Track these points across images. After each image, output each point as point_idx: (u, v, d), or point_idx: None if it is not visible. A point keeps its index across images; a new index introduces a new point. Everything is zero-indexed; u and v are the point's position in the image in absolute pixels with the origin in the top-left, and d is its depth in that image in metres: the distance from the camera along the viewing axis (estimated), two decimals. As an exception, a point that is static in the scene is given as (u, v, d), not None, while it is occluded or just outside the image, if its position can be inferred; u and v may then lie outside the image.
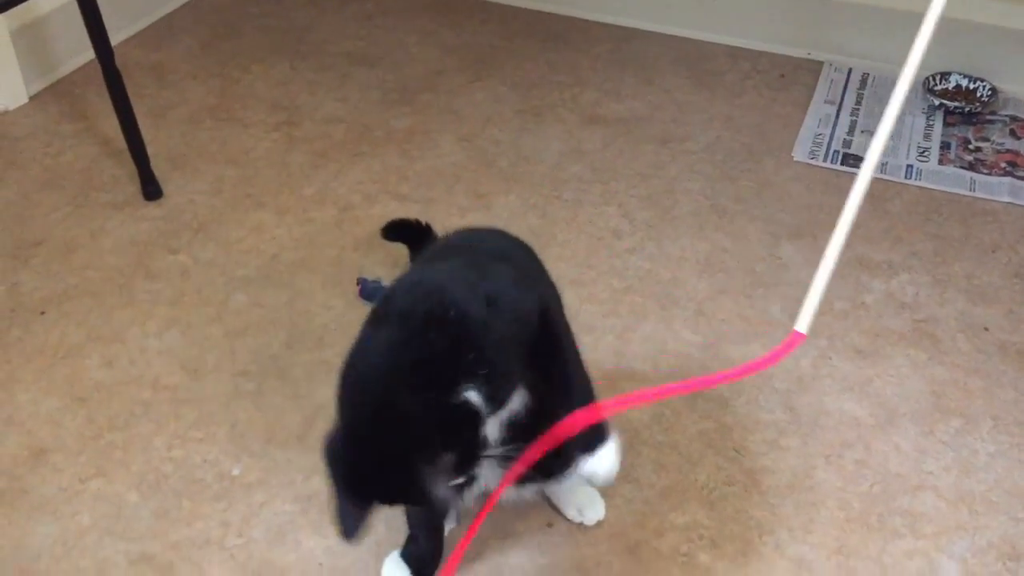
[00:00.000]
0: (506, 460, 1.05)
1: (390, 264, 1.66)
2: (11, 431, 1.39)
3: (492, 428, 1.02)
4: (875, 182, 1.88)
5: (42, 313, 1.58)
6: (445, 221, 1.70)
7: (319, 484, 1.32)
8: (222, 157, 1.94)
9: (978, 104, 2.05)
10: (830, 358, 1.51)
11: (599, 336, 1.54)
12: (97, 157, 1.93)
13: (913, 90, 2.11)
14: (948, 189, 1.86)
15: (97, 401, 1.43)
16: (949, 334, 1.56)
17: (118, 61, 1.77)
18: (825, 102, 2.10)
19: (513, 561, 1.23)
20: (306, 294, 1.62)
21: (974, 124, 2.02)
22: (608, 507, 1.28)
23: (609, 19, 2.39)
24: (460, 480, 0.98)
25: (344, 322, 1.56)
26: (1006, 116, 2.05)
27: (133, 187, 1.84)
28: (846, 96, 2.12)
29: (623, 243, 1.73)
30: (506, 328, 0.97)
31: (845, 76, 2.18)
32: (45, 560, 1.23)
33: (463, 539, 1.11)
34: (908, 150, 1.96)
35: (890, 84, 2.14)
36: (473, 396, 0.94)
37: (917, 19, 2.18)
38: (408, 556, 1.19)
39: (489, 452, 1.02)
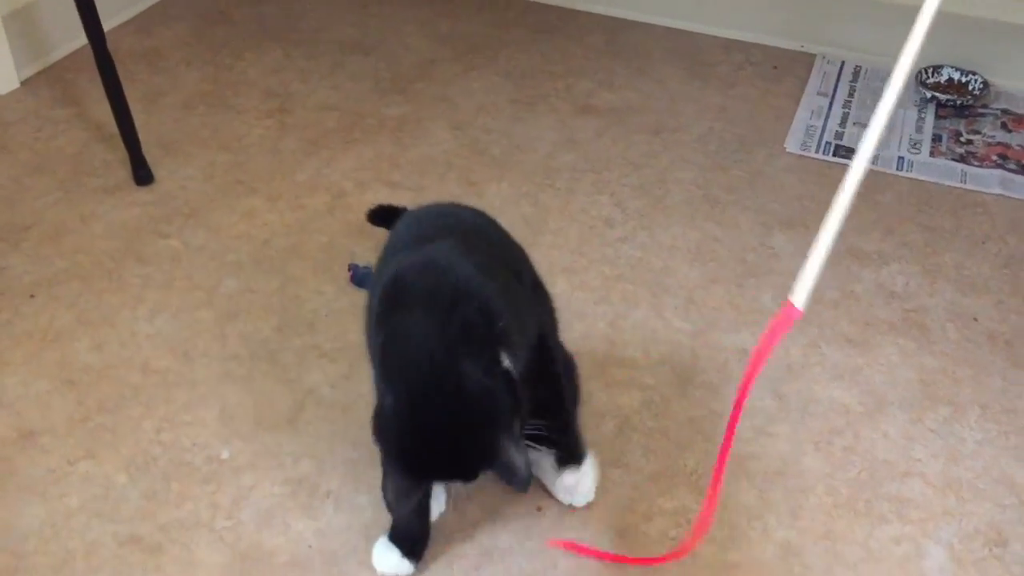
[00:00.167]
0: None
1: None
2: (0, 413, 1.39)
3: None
4: (866, 173, 1.89)
5: (31, 296, 1.57)
6: (437, 208, 1.70)
7: (309, 467, 1.32)
8: (214, 143, 1.93)
9: (970, 97, 2.06)
10: (820, 347, 1.52)
11: (590, 323, 1.54)
12: (88, 142, 1.93)
13: (905, 83, 2.12)
14: (939, 181, 1.86)
15: (86, 384, 1.43)
16: (938, 324, 1.56)
17: (110, 47, 1.77)
18: (818, 94, 2.10)
19: (502, 544, 1.23)
20: (297, 280, 1.62)
21: (966, 117, 2.03)
22: (597, 491, 1.28)
23: (603, 10, 2.39)
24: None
25: (335, 308, 1.56)
26: (997, 109, 2.05)
27: (124, 172, 1.84)
28: (839, 88, 2.12)
29: (615, 232, 1.73)
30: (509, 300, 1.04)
31: (838, 68, 2.18)
32: (33, 541, 1.22)
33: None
34: (900, 142, 1.96)
35: (883, 77, 2.15)
36: (507, 363, 1.00)
37: (910, 12, 2.19)
38: (397, 538, 1.19)
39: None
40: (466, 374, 0.96)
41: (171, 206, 1.77)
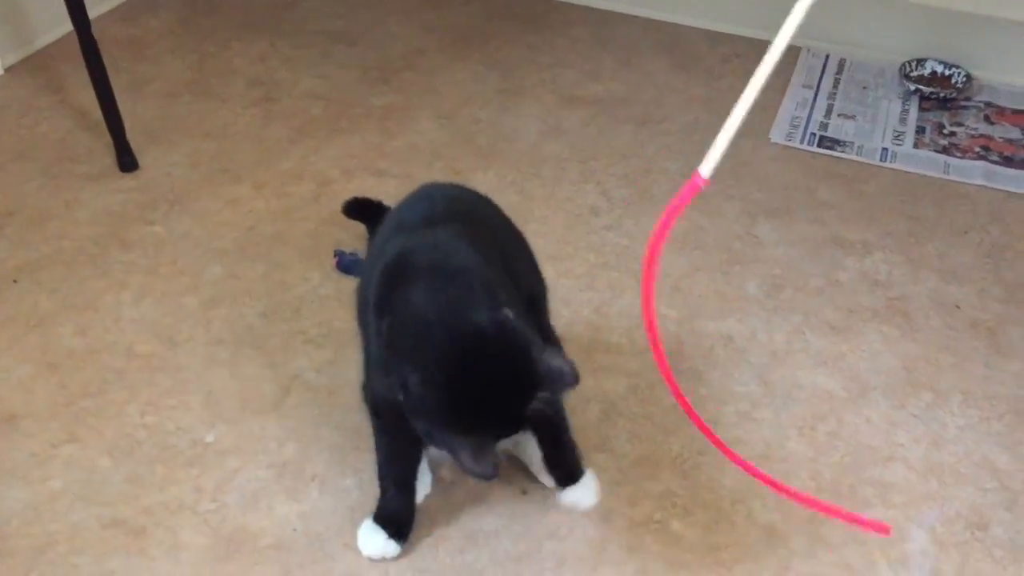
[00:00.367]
0: None
1: (367, 238, 1.65)
2: (-18, 397, 1.38)
3: None
4: (850, 164, 1.91)
5: (14, 281, 1.56)
6: (423, 196, 1.70)
7: (294, 451, 1.32)
8: (199, 131, 1.93)
9: (953, 90, 2.07)
10: (804, 333, 1.53)
11: (576, 310, 1.55)
12: (72, 129, 1.92)
13: (889, 75, 2.14)
14: (922, 172, 1.88)
15: (70, 368, 1.42)
16: (921, 311, 1.57)
17: (95, 35, 1.76)
18: (803, 86, 2.11)
19: (487, 527, 1.23)
20: (283, 266, 1.62)
21: (949, 109, 2.05)
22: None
23: (589, 2, 2.39)
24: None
25: (320, 294, 1.56)
26: (980, 102, 2.07)
27: (109, 159, 1.83)
28: (823, 80, 2.13)
29: (601, 220, 1.74)
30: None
31: (822, 61, 2.19)
32: (15, 524, 1.22)
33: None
34: (884, 133, 1.97)
35: (867, 69, 2.17)
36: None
37: (894, 6, 2.20)
38: (382, 520, 1.19)
39: None
40: (479, 320, 0.98)
41: (156, 193, 1.76)
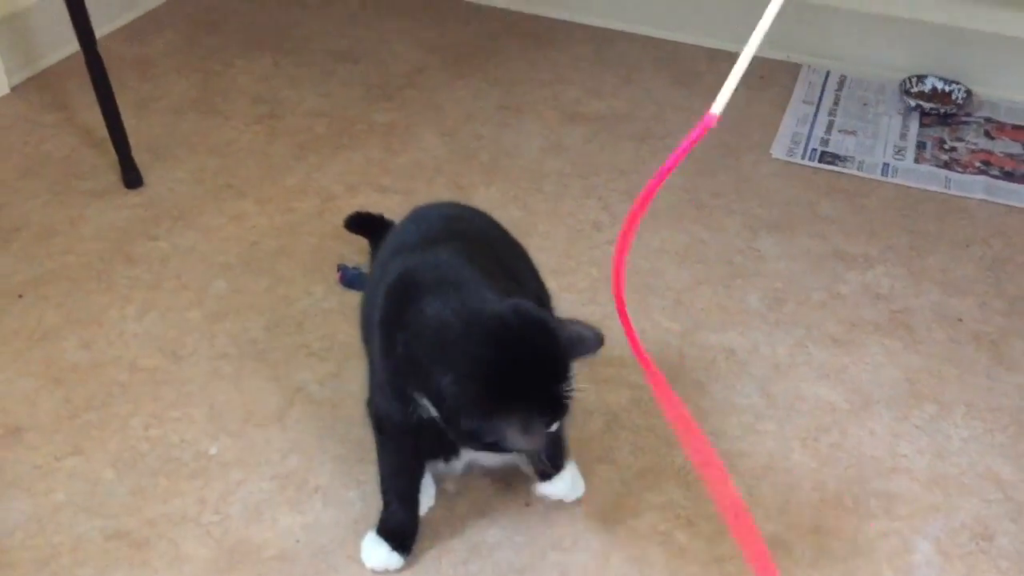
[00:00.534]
0: None
1: (370, 252, 1.66)
2: (-14, 410, 1.38)
3: None
4: (851, 179, 1.92)
5: (20, 296, 1.57)
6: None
7: (297, 463, 1.32)
8: (203, 148, 1.94)
9: (953, 106, 2.08)
10: (806, 346, 1.53)
11: (578, 323, 1.55)
12: (78, 147, 1.93)
13: (890, 92, 2.15)
14: (923, 186, 1.88)
15: (74, 382, 1.43)
16: (924, 324, 1.57)
17: (101, 54, 1.77)
18: (803, 102, 2.13)
19: (491, 539, 1.23)
20: (287, 280, 1.62)
21: (949, 125, 2.06)
22: (585, 488, 1.28)
23: (590, 21, 2.41)
24: None
25: (324, 308, 1.57)
26: (980, 118, 2.08)
27: (114, 175, 1.84)
28: (824, 97, 2.15)
29: (603, 235, 1.75)
30: None
31: (823, 78, 2.21)
32: (19, 536, 1.22)
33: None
34: (885, 148, 1.98)
35: (867, 86, 2.19)
36: None
37: (893, 23, 2.22)
38: (386, 532, 1.19)
39: None
40: (496, 309, 1.00)
41: (160, 208, 1.77)
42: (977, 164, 1.94)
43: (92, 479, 1.29)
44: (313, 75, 2.19)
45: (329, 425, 1.37)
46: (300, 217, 1.76)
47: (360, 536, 1.21)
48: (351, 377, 1.42)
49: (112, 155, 1.84)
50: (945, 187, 1.88)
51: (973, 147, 1.99)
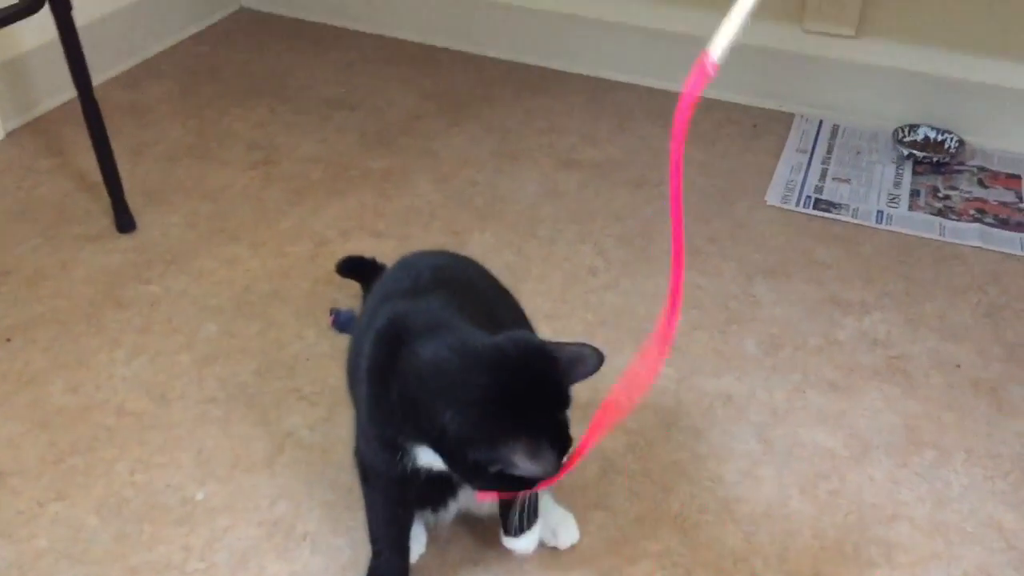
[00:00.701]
0: None
1: (362, 297, 1.65)
2: (-31, 454, 1.36)
3: None
4: (846, 226, 1.92)
5: (8, 340, 1.55)
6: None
7: (285, 509, 1.29)
8: (198, 193, 1.94)
9: (946, 155, 2.09)
10: (804, 392, 1.51)
11: (573, 368, 1.53)
12: (71, 191, 1.93)
13: (883, 141, 2.16)
14: (918, 233, 1.88)
15: (59, 426, 1.40)
16: (922, 370, 1.56)
17: (96, 99, 1.77)
18: (797, 151, 2.13)
19: (483, 587, 1.20)
20: (278, 324, 1.61)
21: (943, 174, 2.06)
22: (580, 534, 1.26)
23: (585, 71, 2.43)
24: None
25: (316, 352, 1.55)
26: (973, 167, 2.09)
27: (106, 220, 1.83)
28: (817, 145, 2.16)
29: (598, 280, 1.74)
30: None
31: (816, 127, 2.22)
32: (-2, 583, 1.19)
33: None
34: (879, 196, 1.99)
35: (860, 135, 2.20)
36: None
37: (885, 73, 2.24)
38: (375, 579, 1.16)
39: None
40: (491, 340, 1.00)
41: (153, 253, 1.76)
42: (971, 212, 1.94)
43: (75, 525, 1.26)
44: (309, 122, 2.19)
45: (319, 471, 1.35)
46: (293, 261, 1.75)
47: (349, 584, 1.18)
48: (342, 422, 1.40)
49: (106, 200, 1.83)
50: (940, 234, 1.88)
51: (967, 195, 1.99)
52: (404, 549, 1.18)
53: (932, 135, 2.14)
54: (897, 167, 2.08)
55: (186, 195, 1.93)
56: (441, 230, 1.84)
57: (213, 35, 2.57)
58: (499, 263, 1.75)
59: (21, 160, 2.02)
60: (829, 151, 2.14)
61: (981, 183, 2.04)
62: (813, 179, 2.04)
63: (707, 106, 2.27)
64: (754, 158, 2.12)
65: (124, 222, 1.81)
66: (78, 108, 1.78)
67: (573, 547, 1.25)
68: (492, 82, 2.39)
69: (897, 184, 2.03)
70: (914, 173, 2.06)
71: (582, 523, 1.26)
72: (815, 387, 1.52)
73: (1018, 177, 2.05)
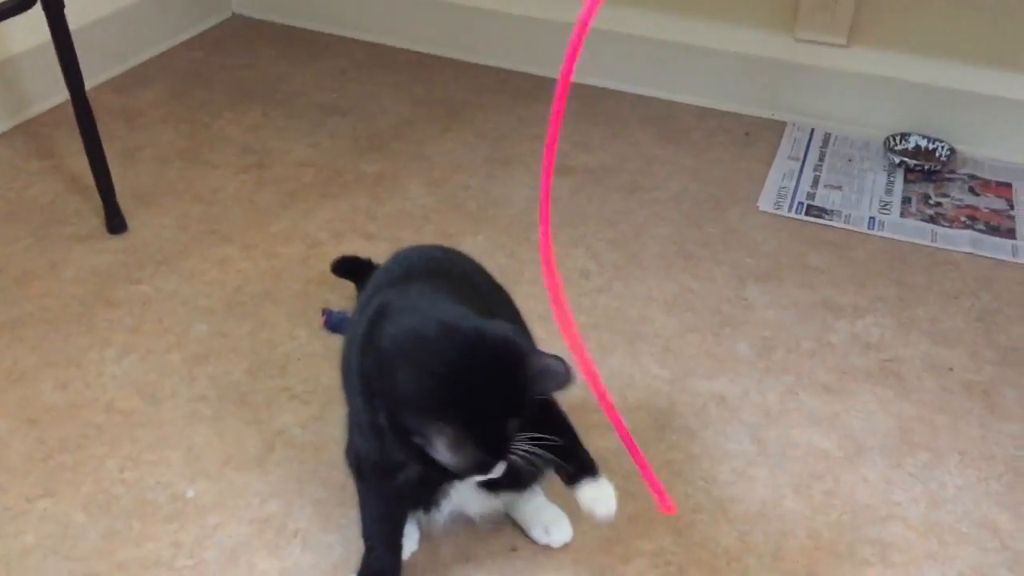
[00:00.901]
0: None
1: (356, 297, 1.64)
2: (-44, 452, 1.34)
3: None
4: (838, 231, 1.92)
5: (-4, 338, 1.54)
6: (413, 257, 1.69)
7: (276, 507, 1.28)
8: (189, 195, 1.93)
9: (937, 163, 2.10)
10: (797, 394, 1.51)
11: (566, 369, 1.53)
12: (62, 193, 1.92)
13: (874, 149, 2.17)
14: (910, 239, 1.88)
15: (48, 423, 1.39)
16: (915, 373, 1.56)
17: (89, 101, 1.77)
18: (789, 158, 2.14)
19: (476, 585, 1.19)
20: (270, 324, 1.60)
21: (934, 181, 2.07)
22: (574, 533, 1.25)
23: (579, 79, 2.41)
24: None
25: (308, 351, 1.54)
26: (964, 175, 2.10)
27: (97, 221, 1.82)
28: (809, 153, 2.16)
29: (591, 283, 1.73)
30: None
31: (808, 135, 2.23)
32: (-16, 580, 1.17)
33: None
34: (871, 203, 1.99)
35: (852, 143, 2.21)
36: None
37: (877, 83, 2.25)
38: (367, 576, 1.15)
39: None
40: (473, 324, 0.99)
41: (143, 253, 1.75)
42: (963, 219, 1.95)
43: (63, 522, 1.25)
44: (302, 127, 2.19)
45: (311, 469, 1.33)
46: (285, 263, 1.74)
47: (340, 582, 1.17)
48: (334, 420, 1.38)
49: (96, 201, 1.82)
50: (932, 240, 1.88)
51: (958, 203, 2.00)
52: (397, 546, 1.17)
53: (923, 143, 2.15)
54: (888, 175, 2.09)
55: (177, 197, 1.92)
56: (433, 233, 1.84)
57: (205, 41, 2.57)
58: (492, 266, 1.73)
59: (12, 161, 2.01)
60: (821, 159, 2.15)
61: (972, 191, 2.04)
62: (805, 186, 2.04)
63: (699, 114, 2.30)
64: (746, 165, 2.12)
65: (115, 223, 1.80)
66: (70, 112, 1.77)
67: (566, 545, 1.24)
68: (485, 89, 2.39)
69: (889, 191, 2.04)
70: (905, 181, 2.07)
71: (575, 522, 1.25)
72: (808, 389, 1.52)
73: (1009, 185, 2.06)
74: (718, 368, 1.55)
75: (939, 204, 2.00)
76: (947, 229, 1.92)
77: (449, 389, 0.95)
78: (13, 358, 1.50)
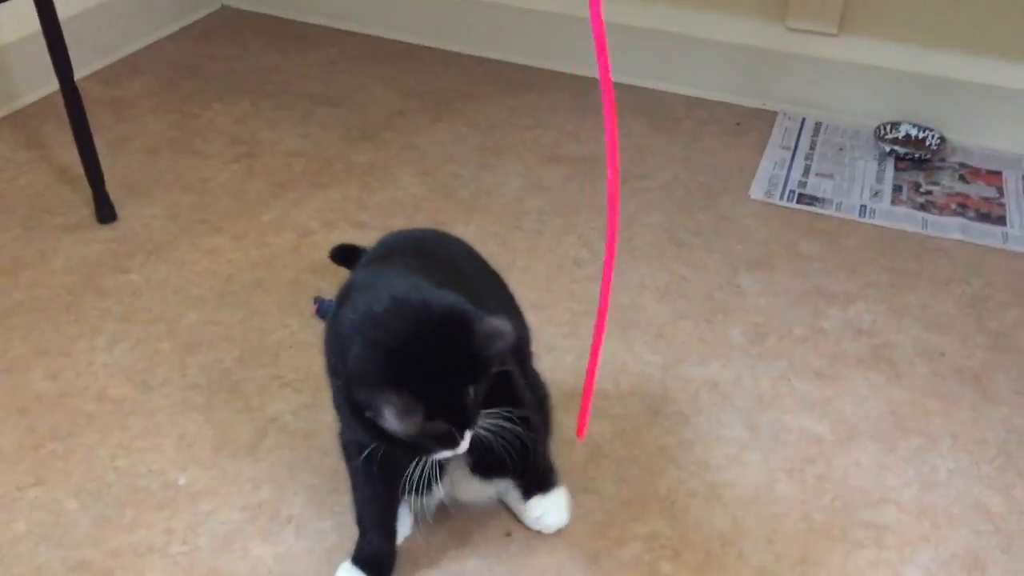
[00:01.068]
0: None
1: (348, 286, 1.64)
2: (-54, 440, 1.33)
3: None
4: (829, 219, 1.92)
5: (-15, 328, 1.53)
6: (405, 245, 1.69)
7: (269, 493, 1.27)
8: (179, 186, 1.92)
9: (928, 152, 2.10)
10: (790, 379, 1.51)
11: (559, 356, 1.53)
12: (51, 183, 1.91)
13: (864, 137, 2.18)
14: (901, 227, 1.89)
15: (39, 412, 1.38)
16: (906, 358, 1.56)
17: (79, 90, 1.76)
18: (780, 147, 2.14)
19: (470, 569, 1.19)
20: (261, 313, 1.59)
21: (924, 170, 2.07)
22: (569, 518, 1.24)
23: (569, 69, 2.43)
24: None
25: (299, 339, 1.53)
26: (955, 163, 2.10)
27: (87, 210, 1.81)
28: (800, 142, 2.16)
29: (583, 271, 1.73)
30: None
31: (799, 124, 2.23)
32: (-25, 567, 1.16)
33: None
34: (861, 191, 1.99)
35: (842, 132, 2.21)
36: None
37: (867, 72, 2.25)
38: (361, 561, 1.15)
39: None
40: (423, 293, 0.99)
41: (133, 243, 1.74)
42: (953, 206, 1.95)
43: (55, 509, 1.24)
44: (292, 117, 2.18)
45: (303, 455, 1.33)
46: (276, 252, 1.74)
47: (334, 567, 1.16)
48: (326, 407, 1.37)
49: (86, 191, 1.81)
50: (923, 228, 1.89)
51: (948, 191, 2.01)
52: (390, 531, 1.17)
53: (914, 132, 2.15)
54: (879, 163, 2.10)
55: (167, 187, 1.91)
56: (424, 222, 1.83)
57: (194, 32, 2.56)
58: (484, 254, 1.74)
59: (1, 152, 2.00)
60: (812, 147, 2.15)
61: (962, 179, 2.05)
62: (796, 174, 2.04)
63: (690, 104, 2.30)
64: (737, 154, 2.12)
65: (105, 213, 1.80)
66: (58, 103, 1.76)
67: (561, 530, 1.24)
68: (476, 80, 2.39)
69: (879, 179, 2.04)
70: (896, 169, 2.08)
71: (569, 508, 1.25)
72: (800, 375, 1.52)
73: (999, 173, 2.07)
74: (711, 354, 1.55)
75: (929, 192, 2.00)
76: (938, 216, 1.92)
77: (396, 359, 0.95)
78: (3, 347, 1.49)
